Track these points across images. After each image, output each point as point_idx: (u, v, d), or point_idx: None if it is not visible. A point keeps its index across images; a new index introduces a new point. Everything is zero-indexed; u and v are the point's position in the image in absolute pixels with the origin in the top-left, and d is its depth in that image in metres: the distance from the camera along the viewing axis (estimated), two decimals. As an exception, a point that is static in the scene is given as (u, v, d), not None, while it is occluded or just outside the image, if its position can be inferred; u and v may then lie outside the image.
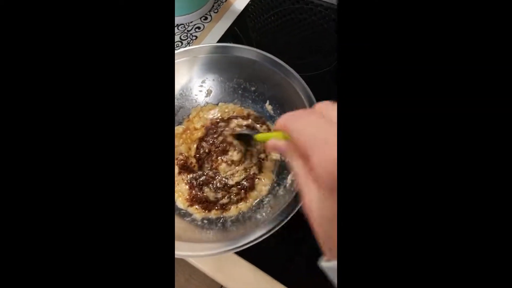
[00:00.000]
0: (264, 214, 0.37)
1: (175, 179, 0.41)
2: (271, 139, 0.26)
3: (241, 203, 0.39)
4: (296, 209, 0.31)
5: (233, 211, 0.38)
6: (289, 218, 0.31)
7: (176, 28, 0.59)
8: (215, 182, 0.40)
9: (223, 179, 0.40)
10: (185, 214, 0.38)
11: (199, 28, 0.59)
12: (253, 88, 0.44)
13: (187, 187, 0.40)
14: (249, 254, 0.37)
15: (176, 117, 0.45)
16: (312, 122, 0.21)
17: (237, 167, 0.40)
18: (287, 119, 0.23)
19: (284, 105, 0.42)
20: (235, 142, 0.40)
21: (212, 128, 0.43)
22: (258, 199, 0.39)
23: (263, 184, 0.40)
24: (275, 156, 0.42)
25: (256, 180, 0.40)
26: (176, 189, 0.40)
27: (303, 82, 0.37)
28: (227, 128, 0.42)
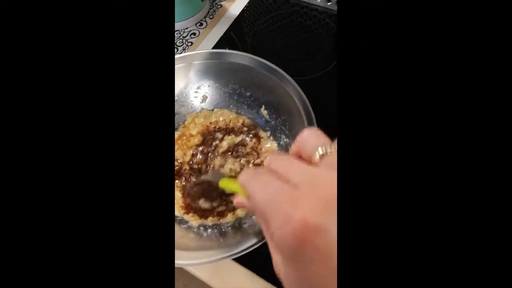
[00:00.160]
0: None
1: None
2: (236, 194, 0.25)
3: (238, 210, 0.39)
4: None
5: (230, 217, 0.38)
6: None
7: (171, 34, 0.60)
8: (211, 193, 0.39)
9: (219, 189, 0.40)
10: (181, 221, 0.38)
11: (194, 34, 0.60)
12: (248, 93, 0.44)
13: (180, 195, 0.40)
14: (246, 260, 0.37)
15: (172, 124, 0.45)
16: (266, 184, 0.19)
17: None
18: (244, 180, 0.21)
19: (279, 110, 0.42)
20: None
21: (209, 135, 0.43)
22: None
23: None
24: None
25: None
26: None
27: (297, 86, 0.37)
28: (221, 145, 0.42)
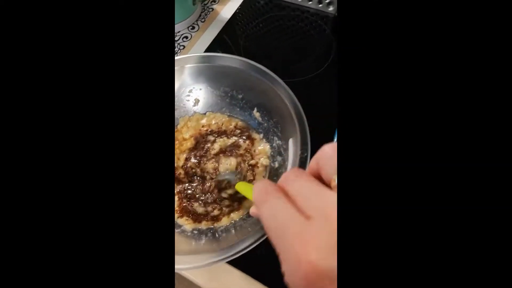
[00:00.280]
0: (255, 221, 0.37)
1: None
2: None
3: (233, 214, 0.39)
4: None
5: (224, 221, 0.38)
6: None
7: (164, 38, 0.60)
8: (205, 197, 0.40)
9: (214, 194, 0.40)
10: (175, 225, 0.38)
11: (186, 37, 0.60)
12: (240, 96, 0.44)
13: (176, 198, 0.40)
14: (241, 263, 0.37)
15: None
16: (277, 211, 0.18)
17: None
18: (256, 200, 0.20)
19: (272, 112, 0.42)
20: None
21: (201, 138, 0.43)
22: (250, 208, 0.39)
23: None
24: (265, 162, 0.42)
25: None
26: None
27: (288, 89, 0.37)
28: (213, 147, 0.43)
